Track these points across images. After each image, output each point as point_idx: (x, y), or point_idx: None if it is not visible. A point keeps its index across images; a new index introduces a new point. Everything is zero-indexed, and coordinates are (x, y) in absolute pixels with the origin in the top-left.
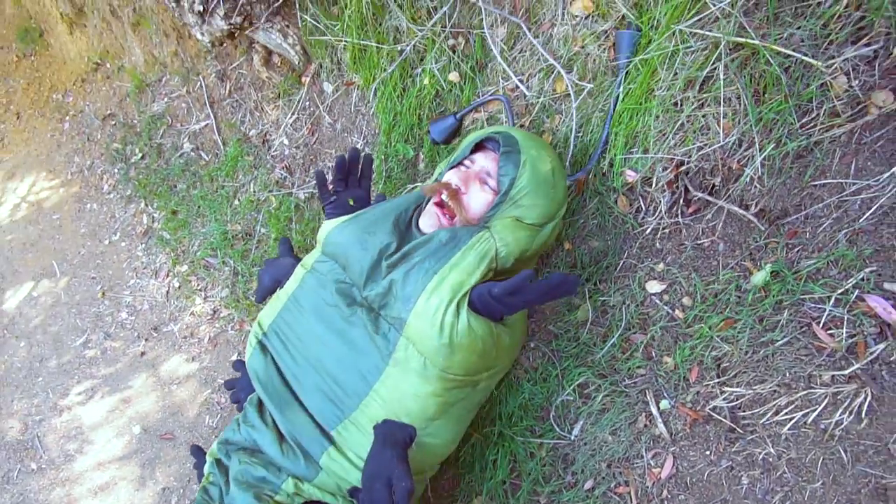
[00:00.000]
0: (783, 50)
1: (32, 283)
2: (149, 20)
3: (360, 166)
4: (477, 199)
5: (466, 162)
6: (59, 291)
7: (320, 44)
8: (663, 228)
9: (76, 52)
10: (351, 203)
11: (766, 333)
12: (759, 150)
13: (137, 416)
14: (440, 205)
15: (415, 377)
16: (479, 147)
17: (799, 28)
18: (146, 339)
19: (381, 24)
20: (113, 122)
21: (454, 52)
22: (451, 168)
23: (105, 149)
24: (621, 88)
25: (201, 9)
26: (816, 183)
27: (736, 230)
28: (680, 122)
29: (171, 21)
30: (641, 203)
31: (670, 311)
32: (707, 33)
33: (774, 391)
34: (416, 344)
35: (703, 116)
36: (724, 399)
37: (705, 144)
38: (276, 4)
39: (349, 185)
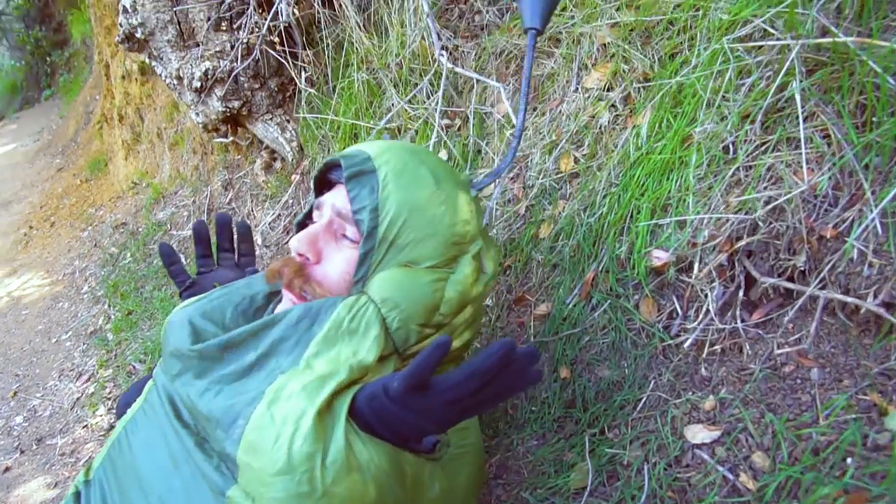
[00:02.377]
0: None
1: None
2: (184, 140)
3: (233, 237)
4: (335, 264)
5: (315, 213)
6: None
7: (314, 138)
8: (713, 344)
9: (124, 174)
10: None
11: None
12: (874, 204)
13: None
14: (290, 288)
15: None
16: (324, 184)
17: None
18: (21, 452)
19: (378, 106)
20: (122, 231)
21: (446, 130)
22: (298, 227)
23: (103, 252)
24: (533, 52)
25: (199, 85)
26: None
27: (840, 344)
28: (733, 174)
29: (198, 138)
30: (676, 304)
31: (730, 478)
32: (771, 42)
33: None
34: (256, 497)
35: (770, 164)
36: None
37: (776, 204)
38: (279, 97)
39: (221, 263)
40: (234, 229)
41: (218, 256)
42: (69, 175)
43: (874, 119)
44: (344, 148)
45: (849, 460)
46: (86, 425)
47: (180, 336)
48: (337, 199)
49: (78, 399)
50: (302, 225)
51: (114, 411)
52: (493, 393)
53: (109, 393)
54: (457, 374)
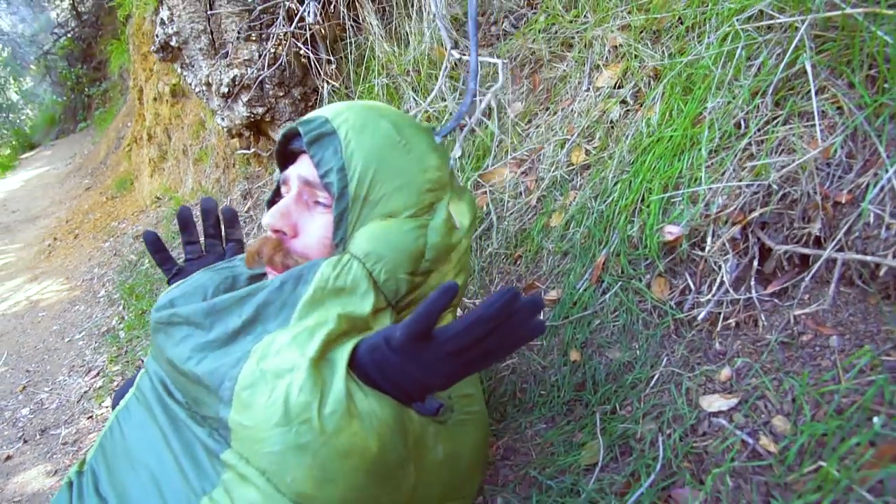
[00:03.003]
0: None
1: None
2: (208, 156)
3: (220, 222)
4: (312, 233)
5: (282, 189)
6: None
7: None
8: (727, 317)
9: (149, 190)
10: None
11: None
12: (889, 165)
13: None
14: (272, 265)
15: None
16: (287, 157)
17: None
18: (24, 442)
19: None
20: (141, 240)
21: (462, 129)
22: (269, 206)
23: (122, 260)
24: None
25: (226, 91)
26: None
27: (859, 312)
28: (745, 147)
29: (222, 153)
30: (689, 280)
31: (749, 441)
32: (781, 19)
33: None
34: (250, 457)
35: (783, 137)
36: None
37: (788, 171)
38: (301, 105)
39: (209, 250)
40: (220, 215)
41: (205, 243)
42: (96, 193)
43: (885, 86)
44: None
45: (875, 419)
46: (91, 416)
47: (164, 314)
48: (301, 168)
49: (85, 392)
50: (271, 203)
51: None
52: (496, 343)
53: (117, 386)
54: (459, 323)
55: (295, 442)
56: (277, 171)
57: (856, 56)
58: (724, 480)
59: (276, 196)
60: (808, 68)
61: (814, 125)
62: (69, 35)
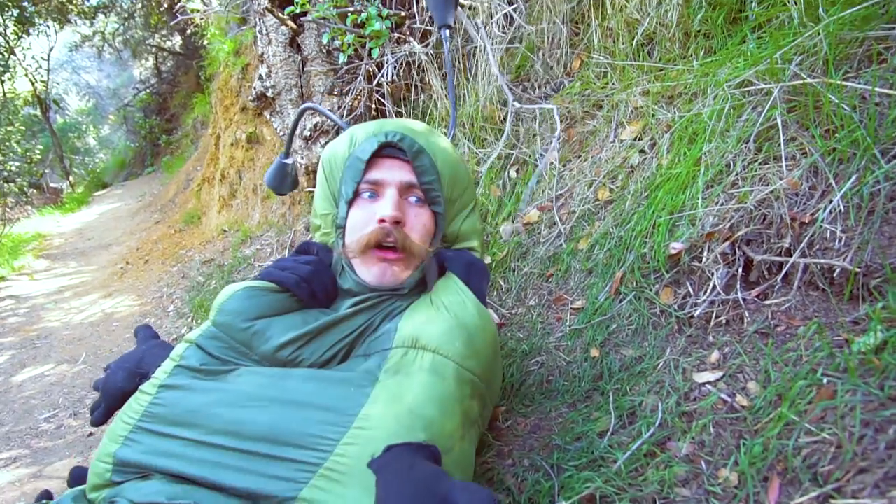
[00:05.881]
0: (852, 85)
1: (52, 365)
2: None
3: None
4: (416, 224)
5: (366, 188)
6: (68, 376)
7: None
8: (718, 315)
9: (216, 224)
10: None
11: (892, 405)
12: (838, 191)
13: (32, 492)
14: (381, 249)
15: (427, 376)
16: (369, 165)
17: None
18: (94, 426)
19: None
20: (209, 265)
21: (506, 171)
22: (350, 207)
23: (190, 282)
24: (448, 44)
25: (308, 135)
26: None
27: (822, 309)
28: (733, 181)
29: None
30: (690, 287)
31: (728, 400)
32: (760, 86)
33: None
34: (420, 338)
35: (762, 172)
36: None
37: (765, 201)
38: None
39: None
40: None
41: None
42: (164, 226)
43: (836, 136)
44: None
45: (819, 370)
46: None
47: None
48: (397, 174)
49: None
50: (351, 202)
51: None
52: None
53: None
54: None
55: (452, 322)
56: (360, 173)
57: (811, 114)
58: (707, 429)
59: (355, 196)
60: (779, 122)
61: (783, 165)
62: (148, 90)
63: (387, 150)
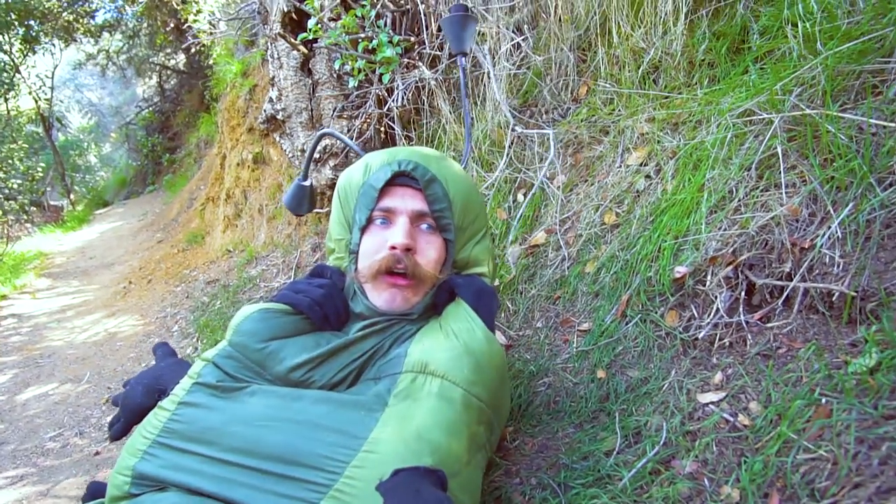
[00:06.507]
0: (849, 116)
1: (56, 384)
2: (282, 214)
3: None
4: (428, 251)
5: (379, 215)
6: (73, 395)
7: None
8: (721, 338)
9: (220, 244)
10: None
11: (885, 423)
12: (835, 215)
13: None
14: (392, 276)
15: (435, 401)
16: (382, 193)
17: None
18: (110, 441)
19: None
20: (214, 285)
21: (513, 196)
22: (363, 233)
23: (195, 302)
24: (466, 71)
25: (317, 157)
26: None
27: (822, 332)
28: (736, 207)
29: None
30: (694, 310)
31: (731, 419)
32: (761, 116)
33: None
34: (429, 364)
35: (764, 199)
36: None
37: (766, 227)
38: None
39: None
40: None
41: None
42: (167, 246)
43: (834, 164)
44: None
45: (816, 390)
46: None
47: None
48: (409, 203)
49: None
50: (364, 229)
51: None
52: None
53: None
54: None
55: (459, 350)
56: (374, 200)
57: (810, 143)
58: (710, 448)
59: (369, 223)
60: (780, 151)
61: (783, 192)
62: (151, 108)
63: (399, 178)
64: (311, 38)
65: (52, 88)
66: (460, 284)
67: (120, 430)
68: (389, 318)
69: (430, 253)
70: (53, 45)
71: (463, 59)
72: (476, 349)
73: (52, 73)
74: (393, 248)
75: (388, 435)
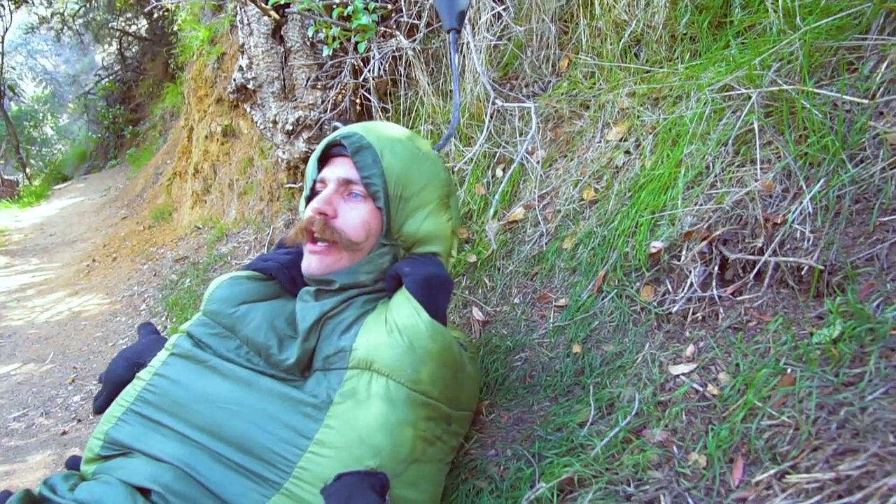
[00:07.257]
0: (824, 92)
1: (18, 364)
2: (253, 189)
3: None
4: (350, 216)
5: (318, 186)
6: (36, 375)
7: None
8: (694, 312)
9: (188, 220)
10: None
11: (845, 389)
12: (807, 190)
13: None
14: (314, 242)
15: (378, 403)
16: (323, 163)
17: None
18: (79, 421)
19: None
20: (183, 262)
21: (493, 172)
22: (307, 202)
23: (163, 280)
24: (456, 47)
25: (290, 129)
26: (886, 220)
27: (791, 306)
28: (712, 183)
29: (268, 188)
30: (669, 285)
31: (700, 389)
32: (738, 91)
33: (868, 471)
34: (374, 362)
35: (738, 175)
36: (787, 498)
37: (740, 202)
38: None
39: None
40: None
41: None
42: (133, 223)
43: (809, 141)
44: None
45: (782, 360)
46: None
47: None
48: (338, 171)
49: None
50: (309, 198)
51: None
52: None
53: None
54: None
55: (402, 347)
56: (315, 171)
57: (786, 119)
58: (679, 417)
59: (312, 193)
60: (756, 127)
61: (758, 167)
62: (111, 77)
63: (335, 149)
64: (282, 2)
65: (2, 54)
66: (407, 273)
67: (102, 403)
68: (320, 283)
69: (350, 216)
70: (3, 6)
71: (454, 34)
72: (419, 346)
73: (2, 38)
74: (311, 218)
75: (331, 438)
